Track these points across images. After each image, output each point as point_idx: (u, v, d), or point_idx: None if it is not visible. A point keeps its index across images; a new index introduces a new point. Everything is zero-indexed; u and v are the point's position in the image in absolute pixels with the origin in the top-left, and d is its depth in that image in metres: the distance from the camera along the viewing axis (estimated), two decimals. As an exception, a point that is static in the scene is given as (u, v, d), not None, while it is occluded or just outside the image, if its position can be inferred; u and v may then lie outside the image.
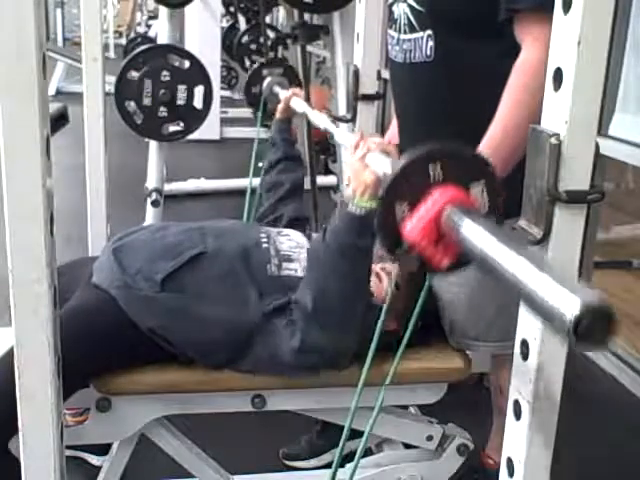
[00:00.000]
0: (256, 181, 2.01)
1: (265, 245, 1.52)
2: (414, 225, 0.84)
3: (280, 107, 1.96)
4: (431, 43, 1.37)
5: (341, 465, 1.72)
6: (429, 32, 1.37)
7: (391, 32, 1.49)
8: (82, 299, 1.43)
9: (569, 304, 0.62)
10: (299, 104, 1.89)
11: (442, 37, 1.36)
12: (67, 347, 1.08)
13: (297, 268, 1.50)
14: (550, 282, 0.66)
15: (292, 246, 1.56)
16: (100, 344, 1.39)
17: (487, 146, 1.27)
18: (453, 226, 0.81)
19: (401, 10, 1.42)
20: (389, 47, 1.53)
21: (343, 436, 1.24)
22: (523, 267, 0.69)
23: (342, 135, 1.48)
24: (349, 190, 1.26)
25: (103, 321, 1.40)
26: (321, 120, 1.66)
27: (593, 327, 0.62)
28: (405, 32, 1.42)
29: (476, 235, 0.77)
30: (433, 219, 0.83)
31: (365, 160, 1.20)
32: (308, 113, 1.78)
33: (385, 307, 1.15)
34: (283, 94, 2.01)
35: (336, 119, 2.12)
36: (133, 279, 1.42)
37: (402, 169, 0.86)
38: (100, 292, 1.43)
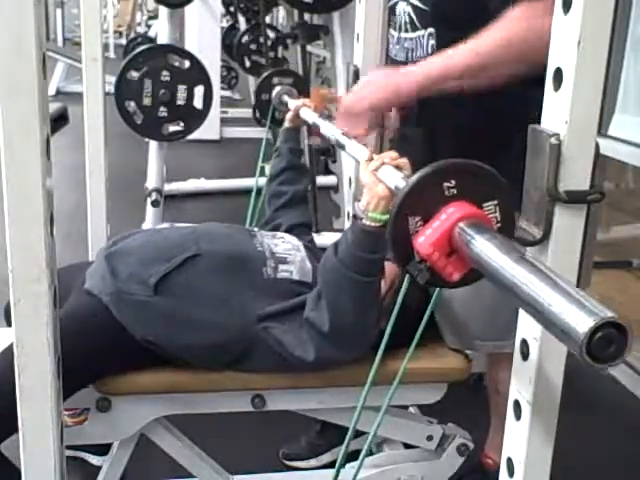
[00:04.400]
0: (261, 181, 2.01)
1: (260, 249, 1.51)
2: (427, 238, 0.85)
3: (289, 115, 1.94)
4: (432, 41, 1.37)
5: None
6: (430, 30, 1.37)
7: (392, 31, 1.50)
8: (73, 306, 1.41)
9: (582, 320, 0.64)
10: (309, 114, 1.85)
11: (443, 35, 1.36)
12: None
13: (293, 270, 1.49)
14: (564, 299, 0.67)
15: (287, 248, 1.55)
16: (92, 351, 1.37)
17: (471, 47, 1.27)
18: (466, 241, 0.82)
19: (402, 9, 1.43)
20: (390, 46, 1.53)
21: (348, 436, 1.24)
22: (537, 286, 0.71)
23: (354, 148, 1.47)
24: (362, 203, 1.25)
25: (94, 328, 1.39)
26: (333, 131, 1.62)
27: (606, 343, 0.64)
28: (407, 31, 1.43)
29: (488, 251, 0.78)
30: (446, 233, 0.84)
31: (378, 174, 1.20)
32: (318, 123, 1.75)
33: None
34: (293, 103, 2.00)
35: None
36: (125, 284, 1.40)
37: (416, 183, 0.87)
38: (91, 298, 1.41)
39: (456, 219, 0.84)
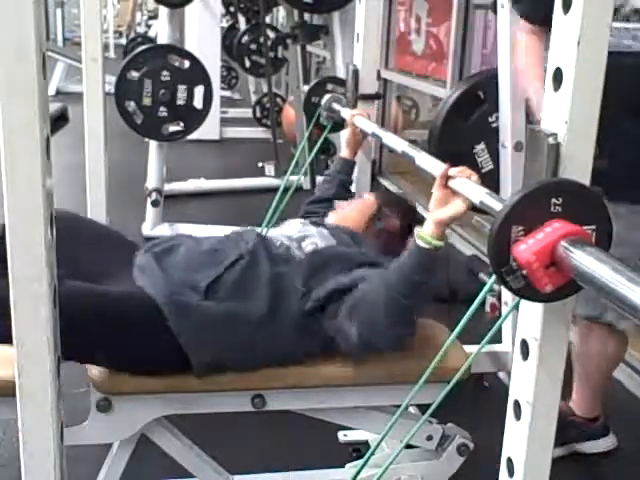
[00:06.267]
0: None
1: (278, 242, 1.56)
2: (529, 247, 0.88)
3: (347, 138, 1.84)
4: None
5: (341, 464, 1.73)
6: None
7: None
8: (125, 294, 1.43)
9: None
10: (366, 124, 1.78)
11: None
12: (89, 322, 1.21)
13: (316, 242, 1.55)
14: None
15: (297, 228, 1.62)
16: (124, 334, 1.37)
17: None
18: (569, 255, 0.85)
19: None
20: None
21: (373, 446, 1.26)
22: None
23: (424, 160, 1.43)
24: (427, 222, 1.26)
25: (139, 321, 1.39)
26: (397, 143, 1.57)
27: None
28: None
29: (596, 267, 0.81)
30: (550, 245, 0.87)
31: (457, 187, 1.21)
32: (379, 134, 1.68)
33: None
34: (345, 112, 1.93)
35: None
36: (178, 289, 1.42)
37: (529, 194, 0.89)
38: (146, 297, 1.41)
39: (561, 234, 0.87)
